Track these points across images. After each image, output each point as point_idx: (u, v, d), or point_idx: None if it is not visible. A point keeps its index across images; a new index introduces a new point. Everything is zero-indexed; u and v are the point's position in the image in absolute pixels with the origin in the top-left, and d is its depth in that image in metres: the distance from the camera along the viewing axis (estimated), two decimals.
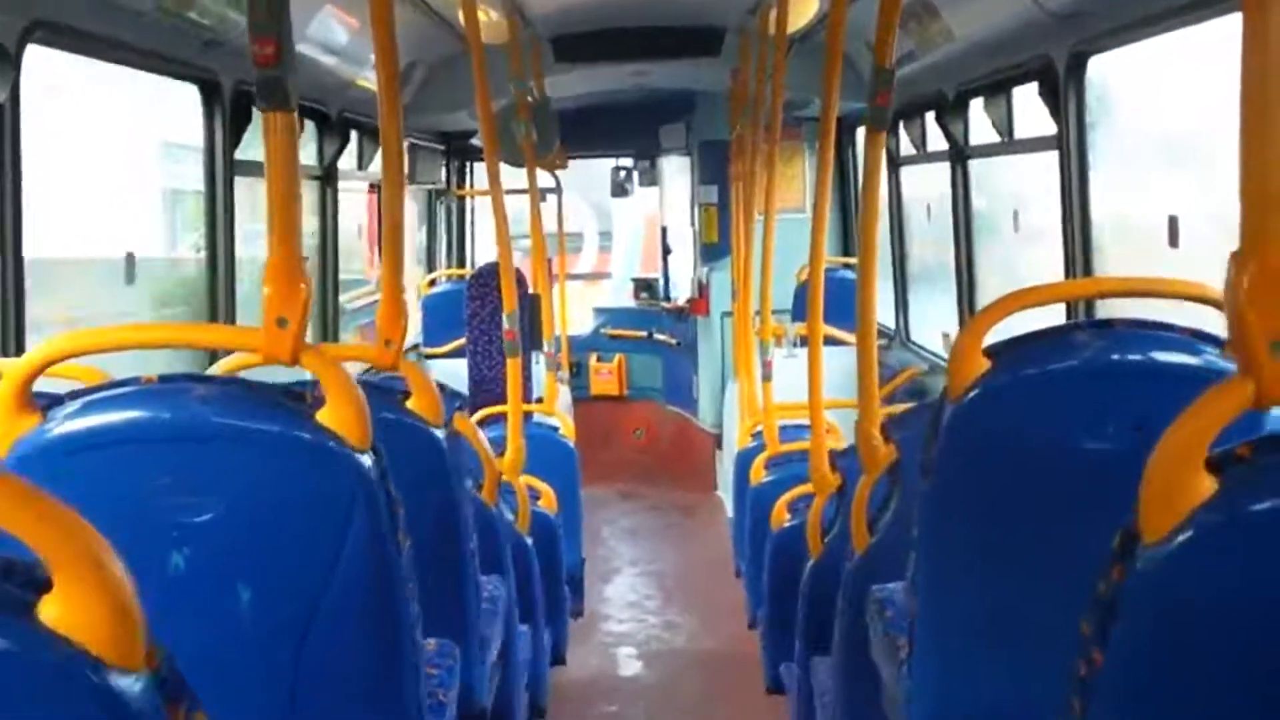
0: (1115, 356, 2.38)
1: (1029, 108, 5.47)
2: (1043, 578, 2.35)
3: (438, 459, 3.12)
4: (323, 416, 2.17)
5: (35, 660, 1.19)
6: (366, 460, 2.19)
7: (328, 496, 2.18)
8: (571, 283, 11.46)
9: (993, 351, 2.44)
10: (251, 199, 5.74)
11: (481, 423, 6.44)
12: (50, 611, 1.22)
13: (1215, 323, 2.22)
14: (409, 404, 3.09)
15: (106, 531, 2.16)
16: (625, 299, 11.92)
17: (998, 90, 5.89)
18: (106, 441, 2.15)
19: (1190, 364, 2.35)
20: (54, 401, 2.20)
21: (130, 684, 1.22)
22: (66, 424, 2.15)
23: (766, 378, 6.57)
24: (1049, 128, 5.13)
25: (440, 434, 3.13)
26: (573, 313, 10.92)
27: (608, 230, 15.89)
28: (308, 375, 2.35)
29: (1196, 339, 2.39)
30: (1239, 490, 1.42)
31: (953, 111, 6.55)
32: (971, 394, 2.40)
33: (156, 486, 2.12)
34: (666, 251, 11.44)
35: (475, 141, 10.27)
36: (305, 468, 2.17)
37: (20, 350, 3.49)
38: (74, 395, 2.20)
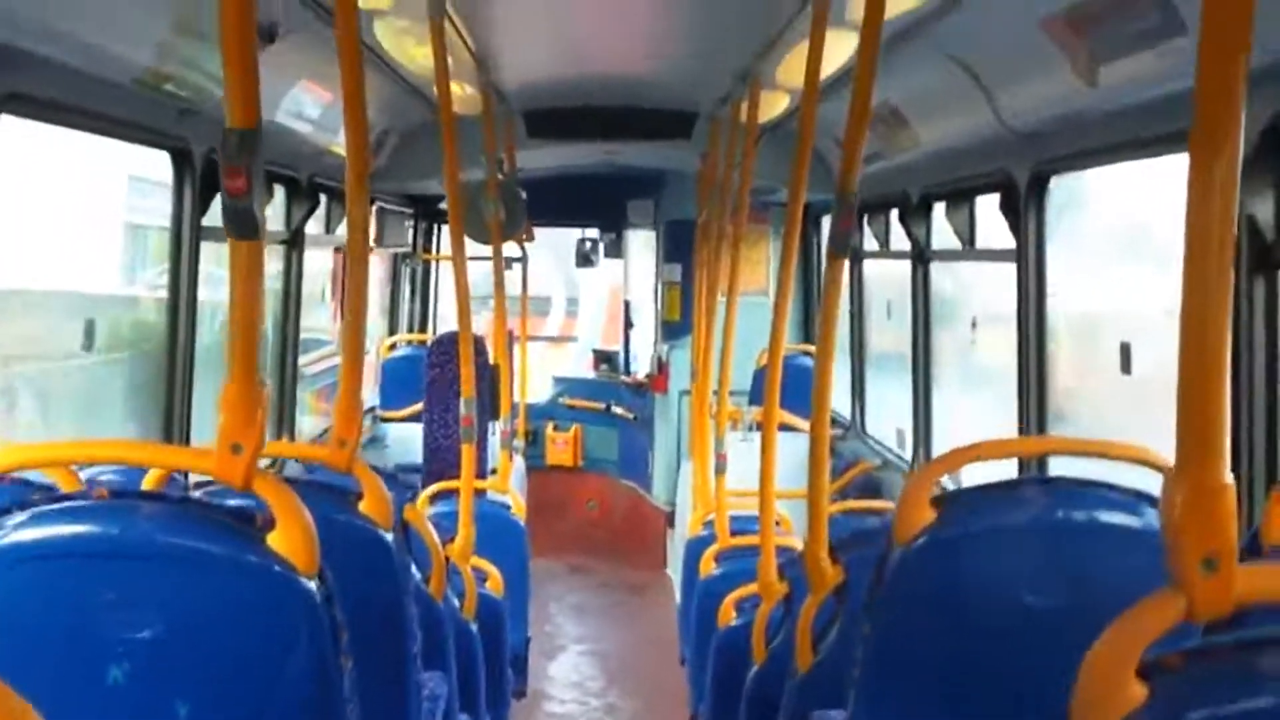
0: (1060, 514, 2.42)
1: (990, 212, 5.57)
2: None
3: (385, 561, 3.13)
4: (273, 540, 2.18)
5: None
6: (313, 585, 2.20)
7: (272, 620, 2.18)
8: (535, 344, 11.48)
9: (940, 501, 2.47)
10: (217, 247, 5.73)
11: (433, 497, 6.43)
12: None
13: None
14: (360, 505, 3.09)
15: (46, 644, 2.16)
16: (586, 368, 11.96)
17: (961, 198, 5.99)
18: (52, 554, 2.14)
19: (1132, 525, 2.39)
20: (2, 511, 2.19)
21: None
22: (14, 534, 2.15)
23: (720, 470, 6.59)
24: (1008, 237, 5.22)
25: (389, 537, 3.13)
26: (533, 378, 10.92)
27: (575, 296, 15.98)
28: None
29: (1139, 499, 2.43)
30: (1169, 699, 1.45)
31: (916, 213, 6.65)
32: (917, 542, 2.43)
33: (100, 602, 2.11)
34: (629, 325, 11.48)
35: (444, 206, 10.31)
36: (251, 591, 2.17)
37: None
38: (22, 506, 2.19)
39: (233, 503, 2.41)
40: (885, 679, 2.52)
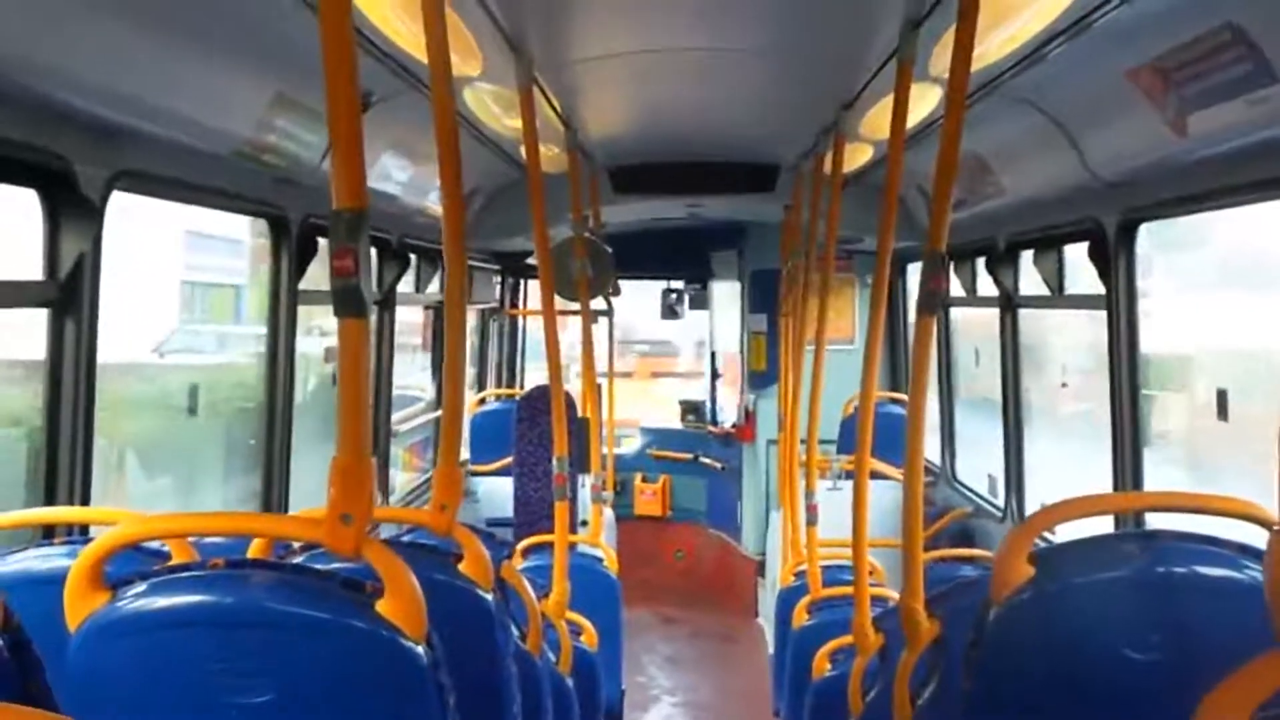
0: (1160, 569, 2.41)
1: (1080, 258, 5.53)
2: None
3: (486, 623, 3.17)
4: (381, 607, 2.24)
5: None
6: (422, 650, 2.25)
7: (382, 685, 2.24)
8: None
9: (1037, 557, 2.47)
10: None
11: (526, 551, 6.49)
12: None
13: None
14: (460, 565, 3.15)
15: (164, 712, 2.23)
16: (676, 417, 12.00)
17: (1048, 245, 5.97)
18: (170, 623, 2.22)
19: (1235, 579, 2.38)
20: (123, 581, 2.28)
21: None
22: (133, 603, 2.23)
23: (811, 520, 6.57)
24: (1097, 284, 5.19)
25: (490, 598, 3.18)
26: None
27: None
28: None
29: (1242, 553, 2.41)
30: None
31: (1003, 260, 6.63)
32: (1015, 599, 2.43)
33: (214, 669, 2.18)
34: (715, 375, 11.52)
35: (531, 261, 10.45)
36: (362, 657, 2.23)
37: (86, 497, 3.59)
38: (143, 576, 2.27)
39: (338, 566, 2.48)
40: None
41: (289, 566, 2.40)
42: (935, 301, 3.58)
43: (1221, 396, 4.37)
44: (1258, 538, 2.47)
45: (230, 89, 4.17)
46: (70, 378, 3.62)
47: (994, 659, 2.47)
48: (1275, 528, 1.50)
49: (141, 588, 2.25)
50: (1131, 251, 5.02)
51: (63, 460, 3.61)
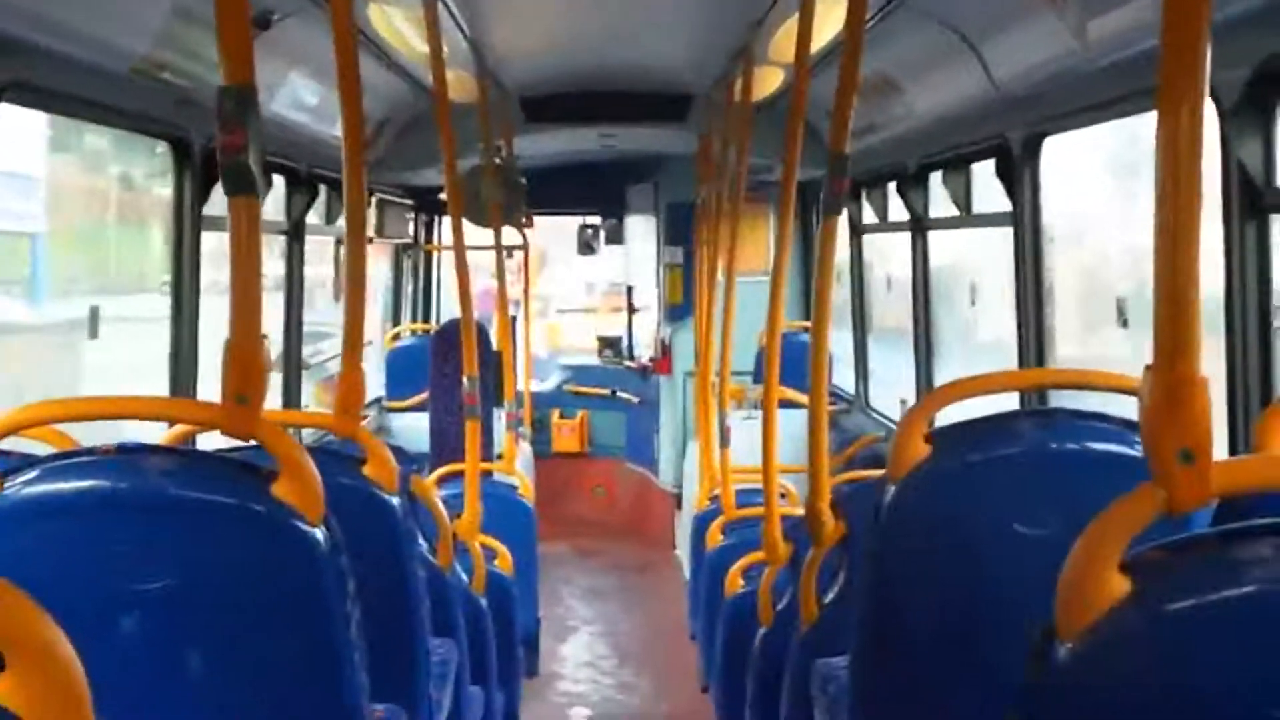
0: (1053, 445, 2.46)
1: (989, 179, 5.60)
2: (978, 661, 2.41)
3: (391, 524, 3.17)
4: (277, 489, 2.22)
5: None
6: (319, 534, 2.24)
7: (280, 568, 2.22)
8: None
9: (934, 436, 2.51)
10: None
11: (441, 480, 6.47)
12: (1, 692, 1.26)
13: None
14: (365, 470, 3.13)
15: (60, 598, 2.20)
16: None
17: (957, 165, 6.02)
18: (63, 509, 2.19)
19: (1125, 454, 2.43)
20: (12, 469, 2.23)
21: None
22: (25, 490, 2.19)
23: (724, 443, 6.62)
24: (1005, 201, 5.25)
25: (394, 500, 3.17)
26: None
27: None
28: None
29: (1131, 429, 2.46)
30: (1152, 591, 1.48)
31: (913, 183, 6.68)
32: (911, 476, 2.47)
33: (111, 554, 2.15)
34: (631, 310, 11.53)
35: (443, 197, 10.34)
36: (259, 540, 2.22)
37: None
38: (31, 463, 2.23)
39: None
40: (884, 616, 2.56)
41: (182, 451, 2.37)
42: (838, 203, 3.60)
43: (1120, 304, 4.44)
44: None
45: (126, 2, 4.07)
46: None
47: (891, 536, 2.50)
48: (1147, 364, 1.53)
49: (32, 474, 2.20)
50: (1036, 167, 5.07)
51: None
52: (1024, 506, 2.41)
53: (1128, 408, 2.60)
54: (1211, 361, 1.95)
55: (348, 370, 3.20)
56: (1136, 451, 2.43)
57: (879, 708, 2.54)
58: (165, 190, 5.17)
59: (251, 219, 2.33)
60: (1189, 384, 1.48)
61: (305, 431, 5.80)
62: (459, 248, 5.73)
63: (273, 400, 4.35)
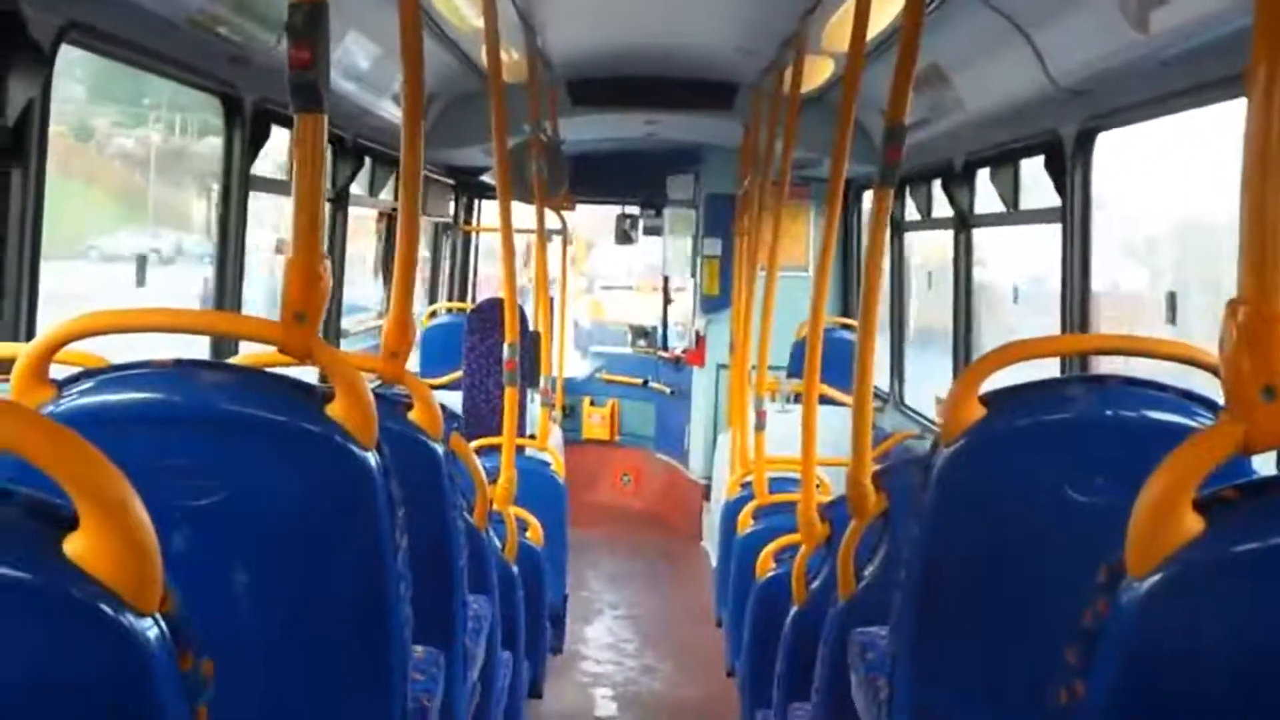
0: (1108, 411, 2.44)
1: (1039, 178, 5.56)
2: (1026, 624, 2.39)
3: (435, 471, 3.16)
4: (332, 410, 2.21)
5: (58, 594, 1.24)
6: (372, 458, 2.23)
7: (332, 489, 2.22)
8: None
9: (987, 400, 2.49)
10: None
11: (476, 452, 6.48)
12: (74, 548, 1.27)
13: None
14: (410, 415, 3.13)
15: None
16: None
17: (1005, 161, 5.98)
18: (117, 419, 2.18)
19: (1181, 423, 2.40)
20: (70, 379, 2.24)
21: (146, 625, 1.27)
22: (80, 400, 2.19)
23: (760, 427, 6.60)
24: (1054, 199, 5.21)
25: (439, 448, 3.17)
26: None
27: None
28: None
29: (1188, 399, 2.44)
30: (1224, 531, 1.47)
31: (959, 180, 6.65)
32: (964, 440, 2.45)
33: (163, 467, 2.15)
34: (667, 300, 11.53)
35: (485, 179, 10.37)
36: (312, 459, 2.21)
37: (31, 335, 3.53)
38: (89, 374, 2.24)
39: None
40: (932, 580, 2.55)
41: (238, 367, 2.37)
42: (893, 174, 3.59)
43: (1171, 298, 4.40)
44: (1201, 387, 2.50)
45: None
46: (16, 224, 3.55)
47: (941, 500, 2.48)
48: (1230, 299, 1.51)
49: (88, 384, 2.21)
50: (1088, 163, 5.03)
51: (6, 309, 3.54)
52: (1077, 472, 2.39)
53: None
54: None
55: (397, 313, 3.16)
56: (1194, 422, 2.41)
57: (925, 671, 2.52)
58: None
59: (318, 134, 2.33)
60: (1274, 319, 1.46)
61: None
62: (505, 226, 5.72)
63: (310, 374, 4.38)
